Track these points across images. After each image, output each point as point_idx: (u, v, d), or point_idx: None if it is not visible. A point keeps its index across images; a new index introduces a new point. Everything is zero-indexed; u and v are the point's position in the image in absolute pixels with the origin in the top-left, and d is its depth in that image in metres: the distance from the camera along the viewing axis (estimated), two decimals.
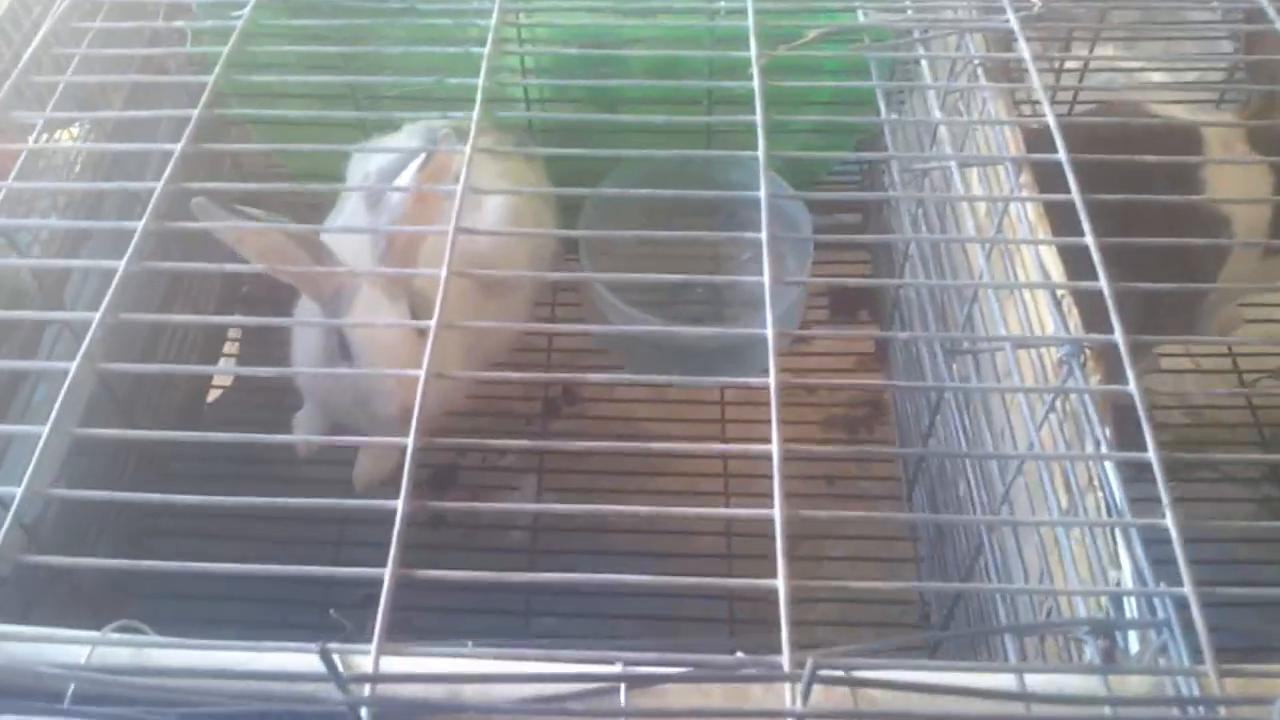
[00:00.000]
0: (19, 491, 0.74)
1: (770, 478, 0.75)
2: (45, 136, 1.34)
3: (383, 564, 0.69)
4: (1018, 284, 1.03)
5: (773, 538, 0.71)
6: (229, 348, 1.87)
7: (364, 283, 1.31)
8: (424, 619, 1.26)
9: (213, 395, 1.85)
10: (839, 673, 0.64)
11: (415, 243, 1.29)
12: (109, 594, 1.41)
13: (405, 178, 1.26)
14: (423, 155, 1.22)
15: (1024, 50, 1.10)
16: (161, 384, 1.63)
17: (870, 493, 1.76)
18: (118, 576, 1.43)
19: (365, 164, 1.55)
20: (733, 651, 0.69)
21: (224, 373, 1.86)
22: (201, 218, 1.11)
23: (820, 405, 1.93)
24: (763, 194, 0.93)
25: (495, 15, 1.12)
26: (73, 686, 0.68)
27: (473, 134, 1.00)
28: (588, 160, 1.07)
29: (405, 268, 1.31)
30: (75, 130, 1.51)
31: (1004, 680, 0.71)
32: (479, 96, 1.04)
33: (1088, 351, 0.94)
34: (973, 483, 1.24)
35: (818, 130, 1.66)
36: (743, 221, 1.68)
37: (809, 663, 0.60)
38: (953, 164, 1.04)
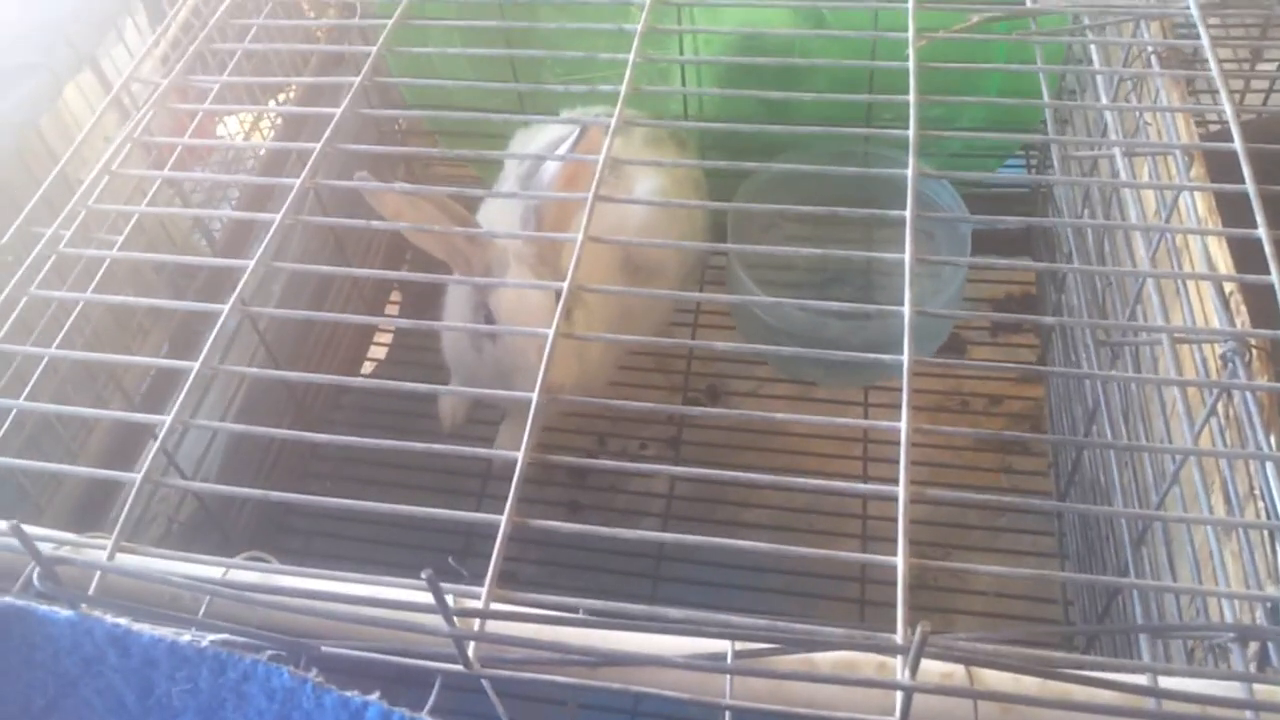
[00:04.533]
0: (168, 420, 0.78)
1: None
2: (223, 126, 1.44)
3: (512, 535, 0.70)
4: (1179, 274, 0.97)
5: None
6: (380, 337, 1.94)
7: (513, 260, 1.34)
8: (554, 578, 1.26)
9: (366, 368, 1.91)
10: (950, 648, 0.62)
11: (563, 221, 1.30)
12: (257, 544, 1.48)
13: (550, 169, 1.29)
14: (575, 131, 1.24)
15: (1204, 37, 1.04)
16: (317, 359, 1.71)
17: (1017, 508, 1.69)
18: (265, 529, 1.50)
19: (526, 146, 1.59)
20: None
21: (375, 321, 1.92)
22: (365, 192, 1.16)
23: (974, 421, 1.86)
24: (909, 214, 0.91)
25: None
26: (207, 600, 0.71)
27: (610, 135, 1.00)
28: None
29: (549, 249, 1.33)
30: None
31: (1135, 678, 0.67)
32: (627, 72, 1.04)
33: (1254, 350, 0.88)
34: (1128, 494, 1.18)
35: (979, 127, 1.61)
36: (898, 222, 1.64)
37: (918, 632, 0.58)
38: (1117, 151, 0.98)
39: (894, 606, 0.67)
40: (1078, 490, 1.38)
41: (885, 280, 1.69)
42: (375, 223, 1.03)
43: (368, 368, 1.90)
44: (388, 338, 1.93)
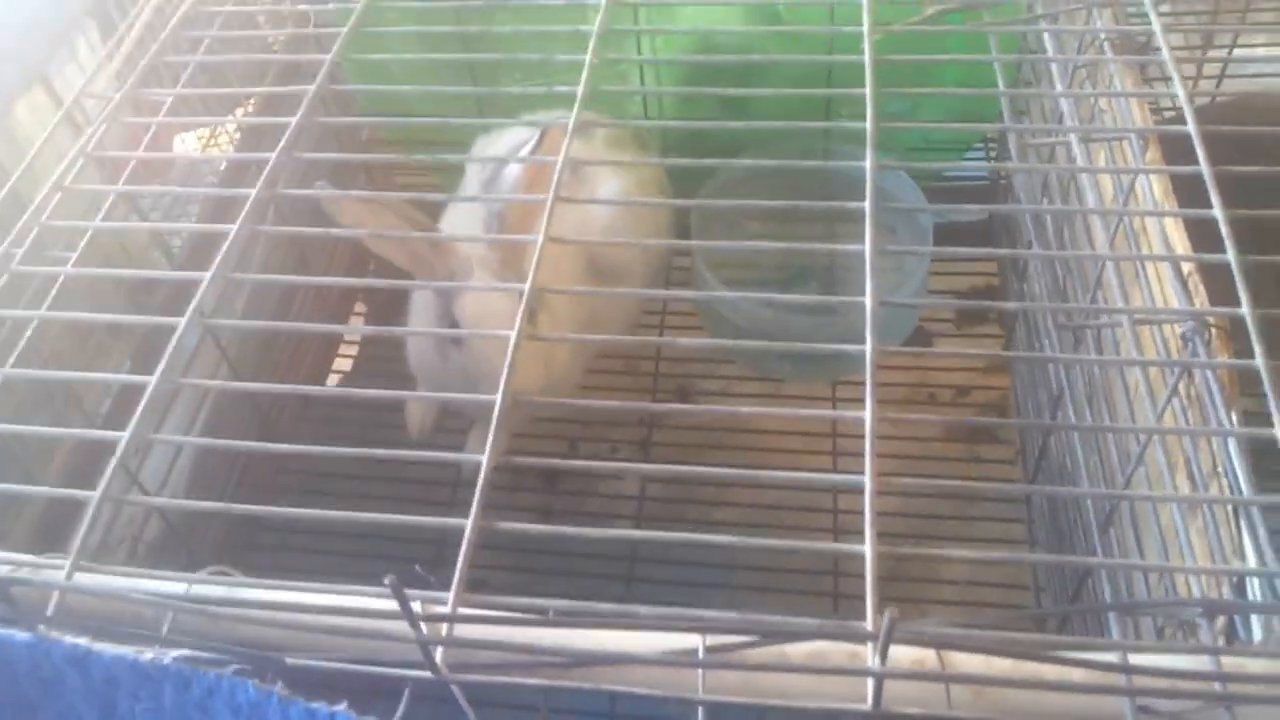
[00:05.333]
0: (126, 435, 0.77)
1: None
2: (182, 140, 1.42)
3: (486, 544, 0.70)
4: (1137, 256, 0.98)
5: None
6: (345, 349, 1.92)
7: (476, 267, 1.33)
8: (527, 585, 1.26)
9: (332, 380, 1.90)
10: (920, 634, 0.61)
11: (526, 225, 1.30)
12: (224, 562, 1.46)
13: (511, 172, 1.28)
14: (535, 134, 1.24)
15: (1155, 23, 1.06)
16: (282, 373, 1.69)
17: (985, 494, 1.70)
18: (233, 547, 1.49)
19: (487, 151, 1.58)
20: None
21: (339, 330, 1.91)
22: (324, 201, 1.15)
23: (942, 412, 1.87)
24: (868, 206, 0.91)
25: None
26: (170, 617, 0.70)
27: (568, 135, 1.00)
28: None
29: (512, 255, 1.33)
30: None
31: (1105, 656, 0.67)
32: (584, 74, 1.04)
33: (1213, 329, 0.89)
34: (1094, 477, 1.18)
35: (938, 119, 1.62)
36: (860, 217, 1.64)
37: (886, 617, 0.58)
38: (1073, 138, 0.99)
39: (866, 600, 0.67)
40: (1045, 477, 1.39)
41: (849, 276, 1.70)
42: (335, 230, 1.02)
43: (334, 380, 1.88)
44: (353, 350, 1.92)
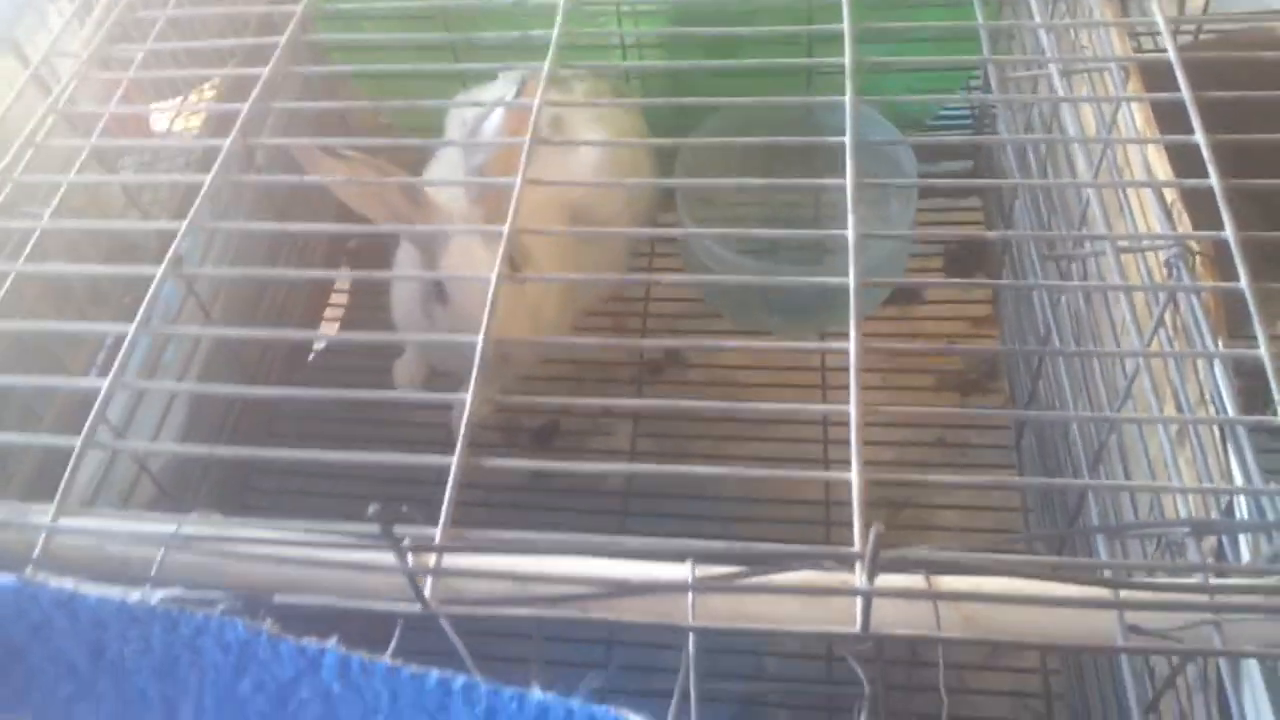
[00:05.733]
0: (105, 382, 0.76)
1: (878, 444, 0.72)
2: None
3: (485, 502, 0.70)
4: (1120, 183, 0.97)
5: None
6: (336, 298, 1.91)
7: (459, 223, 1.32)
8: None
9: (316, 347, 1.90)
10: (907, 555, 0.62)
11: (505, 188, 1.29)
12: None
13: (490, 124, 1.27)
14: (510, 94, 1.23)
15: None
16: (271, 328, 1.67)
17: (975, 442, 1.70)
18: (224, 507, 1.48)
19: (462, 114, 1.57)
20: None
21: (327, 276, 1.90)
22: (297, 153, 1.14)
23: (933, 371, 1.87)
24: (848, 139, 0.91)
25: None
26: (159, 559, 0.70)
27: (543, 80, 0.99)
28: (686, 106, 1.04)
29: (496, 211, 1.32)
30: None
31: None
32: (554, 37, 1.03)
33: (1197, 255, 0.89)
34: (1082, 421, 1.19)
35: (920, 70, 1.61)
36: (844, 164, 1.64)
37: (871, 533, 0.58)
38: (1053, 69, 0.99)
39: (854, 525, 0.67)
40: (1034, 421, 1.39)
41: (835, 225, 1.69)
42: (310, 178, 1.01)
43: (318, 347, 1.88)
44: (338, 313, 1.91)
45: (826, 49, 1.61)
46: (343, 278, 1.86)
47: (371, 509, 0.59)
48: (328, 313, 1.90)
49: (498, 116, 1.27)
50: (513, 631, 0.68)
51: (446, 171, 1.49)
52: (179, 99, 1.62)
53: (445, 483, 0.70)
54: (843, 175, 0.88)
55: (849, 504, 0.66)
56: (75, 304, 1.33)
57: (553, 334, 1.47)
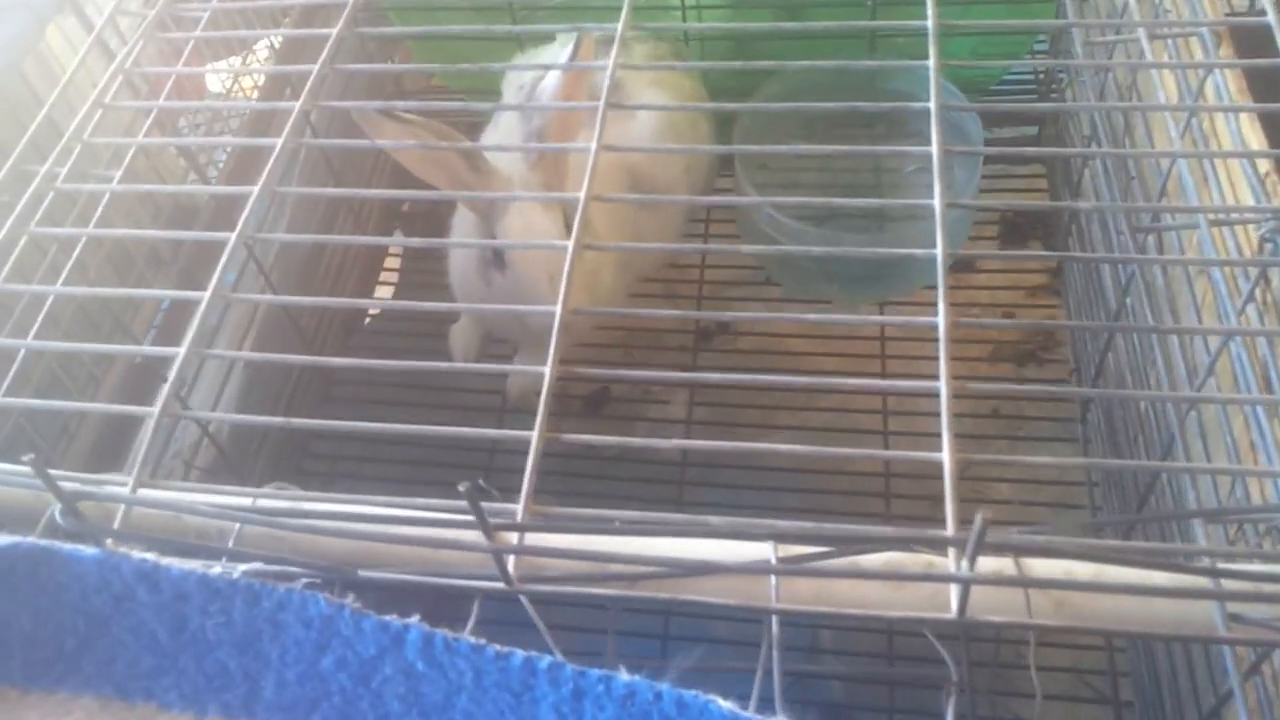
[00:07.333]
0: (182, 350, 0.75)
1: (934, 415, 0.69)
2: (216, 60, 1.38)
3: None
4: (1215, 153, 0.94)
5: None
6: (390, 262, 1.90)
7: (519, 190, 1.31)
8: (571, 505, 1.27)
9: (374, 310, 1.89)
10: (1005, 539, 0.60)
11: (567, 140, 1.27)
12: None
13: (549, 85, 1.25)
14: (570, 48, 1.20)
15: None
16: (327, 294, 1.67)
17: (1031, 414, 1.67)
18: (282, 473, 1.49)
19: (520, 77, 1.55)
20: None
21: (384, 242, 1.90)
22: (360, 118, 1.12)
23: (986, 340, 1.84)
24: (933, 104, 0.87)
25: None
26: (236, 531, 0.69)
27: (616, 47, 0.97)
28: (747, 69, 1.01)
29: (554, 175, 1.30)
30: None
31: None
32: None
33: None
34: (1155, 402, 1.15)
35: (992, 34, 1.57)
36: (909, 131, 1.61)
37: (977, 521, 0.56)
38: (1142, 33, 0.95)
39: (922, 519, 0.65)
40: (1100, 406, 1.36)
41: (896, 193, 1.66)
42: (381, 143, 1.00)
43: (373, 310, 1.87)
44: (393, 277, 1.90)
45: (889, 13, 1.60)
46: (411, 244, 1.84)
47: (462, 486, 0.57)
48: (382, 275, 1.90)
49: (555, 79, 1.25)
50: (584, 626, 0.67)
51: (504, 135, 1.47)
52: (232, 59, 1.61)
53: (501, 450, 0.68)
54: (909, 141, 0.85)
55: (907, 476, 0.64)
56: (136, 270, 1.33)
57: (610, 300, 1.46)
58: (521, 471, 0.69)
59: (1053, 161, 1.76)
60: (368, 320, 1.84)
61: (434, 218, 1.56)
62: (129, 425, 1.29)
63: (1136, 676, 1.24)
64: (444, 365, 0.79)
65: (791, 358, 1.71)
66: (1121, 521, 1.02)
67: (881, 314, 1.69)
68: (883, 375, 1.63)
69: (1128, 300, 1.22)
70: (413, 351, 1.63)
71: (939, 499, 0.65)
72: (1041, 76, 1.84)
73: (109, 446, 1.29)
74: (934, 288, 0.75)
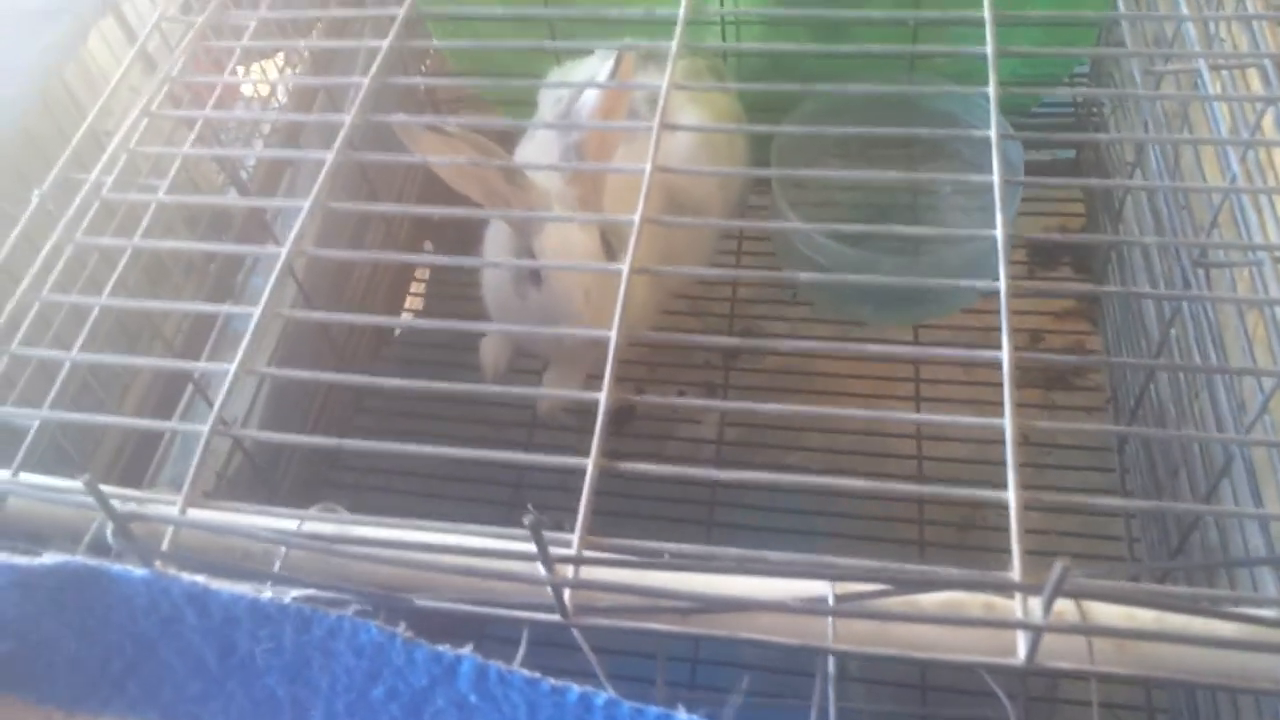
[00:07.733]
0: (232, 367, 0.74)
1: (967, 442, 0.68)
2: (243, 70, 1.37)
3: (563, 486, 0.67)
4: (1275, 189, 0.92)
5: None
6: (420, 272, 1.90)
7: (555, 204, 1.30)
8: (601, 528, 1.25)
9: (405, 318, 1.88)
10: (1077, 584, 0.58)
11: (604, 156, 1.26)
12: (302, 499, 1.46)
13: (588, 101, 1.24)
14: (610, 63, 1.19)
15: None
16: (356, 307, 1.67)
17: (1063, 442, 1.64)
18: (310, 485, 1.48)
19: (558, 92, 1.54)
20: None
21: (418, 260, 1.89)
22: (401, 131, 1.11)
23: (1016, 357, 1.81)
24: (994, 134, 0.86)
25: None
26: (283, 554, 0.68)
27: (671, 65, 0.96)
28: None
29: (591, 190, 1.29)
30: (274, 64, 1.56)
31: (1262, 611, 0.64)
32: (681, 14, 0.99)
33: None
34: (1201, 429, 1.14)
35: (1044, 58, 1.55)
36: (948, 152, 1.59)
37: (1055, 569, 0.54)
38: (1201, 63, 0.94)
39: (952, 547, 0.64)
40: (1141, 425, 1.34)
41: (933, 216, 1.64)
42: (430, 158, 0.99)
43: (406, 317, 1.87)
44: (422, 288, 1.90)
45: (929, 32, 1.59)
46: (461, 264, 1.84)
47: (527, 519, 0.56)
48: (413, 287, 1.89)
49: (594, 95, 1.24)
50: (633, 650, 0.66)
51: (539, 150, 1.46)
52: (264, 65, 1.61)
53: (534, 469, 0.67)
54: (948, 162, 0.84)
55: (939, 502, 0.63)
56: (170, 276, 1.33)
57: (643, 317, 1.45)
58: (552, 488, 0.68)
59: (1091, 188, 1.74)
60: (398, 330, 1.84)
61: (466, 228, 1.55)
62: (155, 431, 1.28)
63: (1174, 714, 1.22)
64: (479, 387, 0.78)
65: (822, 378, 1.69)
66: (1190, 568, 1.01)
67: (915, 336, 1.70)
68: (916, 397, 1.62)
69: (1172, 332, 1.21)
70: (444, 363, 1.62)
71: (968, 527, 0.63)
72: (1080, 100, 1.83)
73: (137, 452, 1.28)
74: (968, 310, 0.75)
